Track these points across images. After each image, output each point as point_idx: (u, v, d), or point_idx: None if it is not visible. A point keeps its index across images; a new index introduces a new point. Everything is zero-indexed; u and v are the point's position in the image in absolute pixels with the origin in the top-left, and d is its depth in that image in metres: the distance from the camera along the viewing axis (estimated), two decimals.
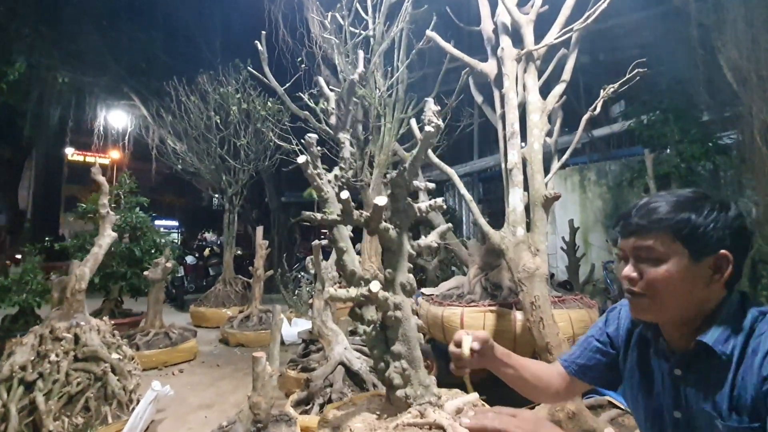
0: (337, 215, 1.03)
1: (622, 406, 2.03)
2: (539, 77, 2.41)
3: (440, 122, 1.06)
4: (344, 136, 1.21)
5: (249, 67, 5.11)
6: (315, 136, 1.09)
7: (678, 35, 4.71)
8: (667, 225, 0.78)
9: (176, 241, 12.01)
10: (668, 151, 5.38)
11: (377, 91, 4.42)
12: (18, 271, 4.01)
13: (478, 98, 2.96)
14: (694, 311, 0.79)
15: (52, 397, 1.92)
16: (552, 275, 3.52)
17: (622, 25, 5.84)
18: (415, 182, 1.04)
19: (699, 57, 4.41)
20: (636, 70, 2.19)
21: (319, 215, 1.00)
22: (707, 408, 0.75)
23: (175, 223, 16.97)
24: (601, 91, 2.31)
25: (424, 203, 1.02)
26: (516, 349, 2.51)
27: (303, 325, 4.39)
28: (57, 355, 2.04)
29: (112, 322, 2.50)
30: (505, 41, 2.39)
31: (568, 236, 4.93)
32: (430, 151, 2.58)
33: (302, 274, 6.44)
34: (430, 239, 1.12)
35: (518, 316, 2.41)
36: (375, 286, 0.93)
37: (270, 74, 4.70)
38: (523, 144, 2.29)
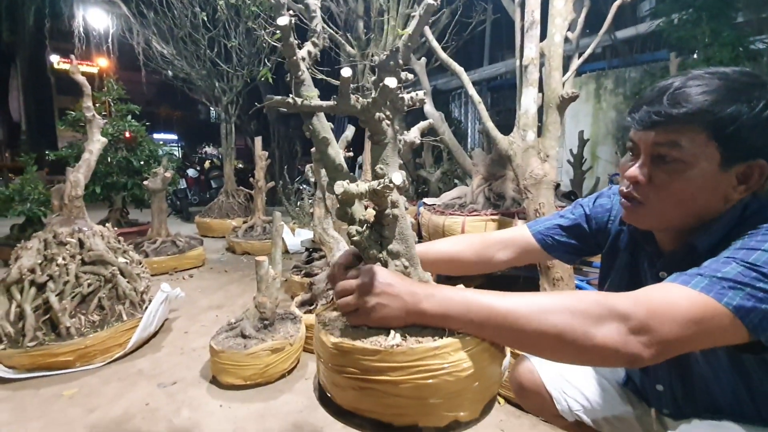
0: (333, 99, 0.90)
1: None
2: None
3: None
4: (314, 2, 0.99)
5: None
6: None
7: None
8: (709, 120, 0.62)
9: (176, 155, 11.88)
10: (695, 56, 4.95)
11: None
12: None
13: None
14: (698, 220, 0.69)
15: (64, 297, 1.99)
16: (558, 185, 3.45)
17: None
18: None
19: None
20: None
21: (299, 100, 0.85)
22: None
23: (174, 136, 16.68)
24: None
25: (407, 95, 0.88)
26: None
27: (306, 235, 4.48)
28: (64, 259, 2.08)
29: (119, 230, 2.52)
30: None
31: (577, 148, 4.76)
32: (438, 47, 2.35)
33: (304, 186, 6.42)
34: (412, 135, 1.00)
35: (519, 224, 2.40)
36: (398, 178, 0.84)
37: None
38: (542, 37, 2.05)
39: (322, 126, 1.01)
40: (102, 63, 10.33)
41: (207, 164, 7.97)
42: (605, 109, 6.10)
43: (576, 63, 2.21)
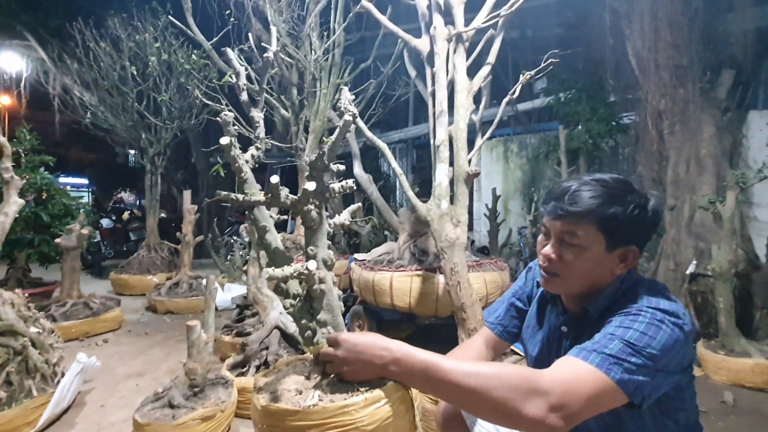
0: (264, 196, 1.10)
1: (521, 353, 2.40)
2: (469, 56, 2.55)
3: (356, 111, 1.16)
4: (258, 115, 1.22)
5: (169, 15, 4.65)
6: (231, 114, 1.11)
7: (595, 18, 5.10)
8: (596, 217, 0.84)
9: (87, 201, 10.92)
10: (579, 127, 5.96)
11: (312, 53, 4.31)
12: None
13: (412, 72, 3.05)
14: (594, 287, 0.91)
15: None
16: (472, 242, 3.87)
17: (548, 4, 6.15)
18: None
19: (608, 43, 4.83)
20: (550, 60, 2.41)
21: (240, 196, 1.06)
22: None
23: (84, 180, 15.28)
24: (521, 75, 2.52)
25: (336, 184, 1.11)
26: (438, 309, 2.79)
27: (236, 290, 4.40)
28: None
29: (24, 293, 2.35)
30: (437, 20, 2.47)
31: (491, 203, 5.35)
32: (362, 123, 2.66)
33: (235, 238, 6.31)
34: (343, 218, 1.23)
35: (440, 279, 2.67)
36: (312, 264, 1.04)
37: (194, 25, 4.31)
38: (450, 121, 2.45)
39: (262, 215, 1.20)
40: (5, 101, 9.47)
41: (126, 215, 7.48)
42: (513, 168, 6.97)
43: (479, 142, 2.64)
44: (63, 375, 2.13)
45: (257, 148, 1.20)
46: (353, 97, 1.22)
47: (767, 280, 3.51)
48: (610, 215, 0.83)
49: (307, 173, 1.15)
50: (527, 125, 7.28)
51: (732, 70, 4.47)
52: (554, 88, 6.20)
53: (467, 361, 0.82)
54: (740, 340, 2.88)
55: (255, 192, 1.15)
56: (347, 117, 1.18)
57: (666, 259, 4.08)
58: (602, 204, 0.84)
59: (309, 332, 1.15)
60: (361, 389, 0.95)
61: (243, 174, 1.14)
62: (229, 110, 1.24)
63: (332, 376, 1.01)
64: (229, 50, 1.35)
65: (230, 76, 1.30)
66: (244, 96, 1.24)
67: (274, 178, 1.06)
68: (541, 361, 1.04)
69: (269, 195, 1.11)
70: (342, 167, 1.26)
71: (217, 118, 1.13)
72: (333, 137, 1.21)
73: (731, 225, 3.06)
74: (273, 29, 1.37)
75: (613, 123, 5.79)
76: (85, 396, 2.39)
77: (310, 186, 1.07)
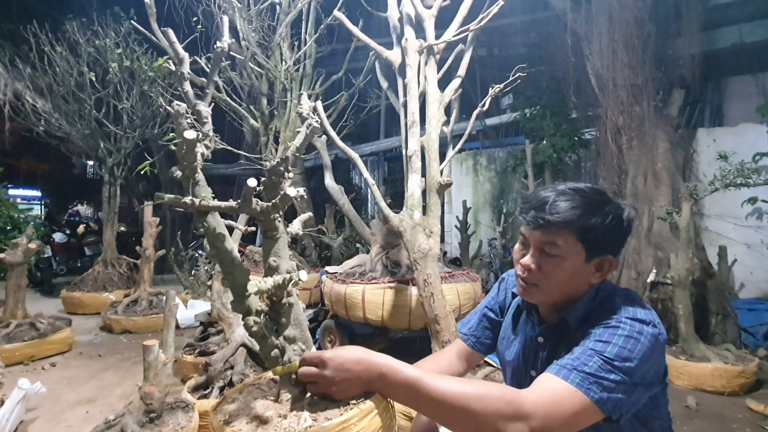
0: (236, 202, 1.03)
1: (495, 364, 2.39)
2: (439, 69, 2.58)
3: (319, 116, 1.11)
4: (205, 109, 1.13)
5: (133, 20, 4.49)
6: (184, 105, 1.02)
7: (558, 39, 5.34)
8: (576, 227, 0.84)
9: (39, 214, 10.22)
10: (544, 142, 6.17)
11: (283, 63, 4.25)
12: None
13: (384, 84, 3.06)
14: (571, 297, 0.91)
15: None
16: (445, 253, 3.87)
17: (514, 24, 6.40)
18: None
19: (570, 62, 5.06)
20: (518, 74, 2.48)
21: (197, 200, 0.97)
22: None
23: (36, 193, 14.34)
24: (490, 89, 2.57)
25: (292, 190, 1.05)
26: (411, 321, 2.75)
27: (200, 307, 4.19)
28: None
29: None
30: (409, 32, 2.50)
31: (462, 215, 5.41)
32: (334, 134, 2.63)
33: (200, 252, 6.05)
34: (295, 227, 1.17)
35: (413, 291, 2.64)
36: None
37: (158, 31, 4.17)
38: (422, 132, 2.46)
39: (217, 222, 1.10)
40: None
41: (81, 228, 7.02)
42: (482, 181, 7.11)
43: (450, 154, 2.66)
44: (2, 403, 1.92)
45: (207, 147, 1.11)
46: (314, 104, 1.16)
47: (721, 287, 3.70)
48: (590, 225, 0.84)
49: (264, 178, 1.08)
50: (495, 139, 7.49)
51: (682, 90, 4.77)
52: (520, 105, 6.40)
53: (451, 379, 0.80)
54: (699, 345, 2.99)
55: (208, 196, 1.06)
56: (314, 124, 1.13)
57: (628, 269, 4.23)
58: (582, 214, 0.84)
59: (276, 350, 1.08)
60: (351, 402, 0.90)
61: (196, 175, 1.06)
62: (194, 119, 1.16)
63: (308, 394, 0.95)
64: (170, 31, 1.24)
65: (167, 62, 1.18)
66: (187, 86, 1.15)
67: (252, 181, 0.98)
68: (518, 371, 1.03)
69: (241, 201, 1.04)
70: (291, 175, 1.19)
71: (168, 107, 1.04)
72: (296, 142, 1.15)
73: (687, 234, 3.21)
74: (225, 18, 1.26)
75: (576, 138, 6.02)
76: (27, 426, 2.17)
77: (291, 191, 1.01)
